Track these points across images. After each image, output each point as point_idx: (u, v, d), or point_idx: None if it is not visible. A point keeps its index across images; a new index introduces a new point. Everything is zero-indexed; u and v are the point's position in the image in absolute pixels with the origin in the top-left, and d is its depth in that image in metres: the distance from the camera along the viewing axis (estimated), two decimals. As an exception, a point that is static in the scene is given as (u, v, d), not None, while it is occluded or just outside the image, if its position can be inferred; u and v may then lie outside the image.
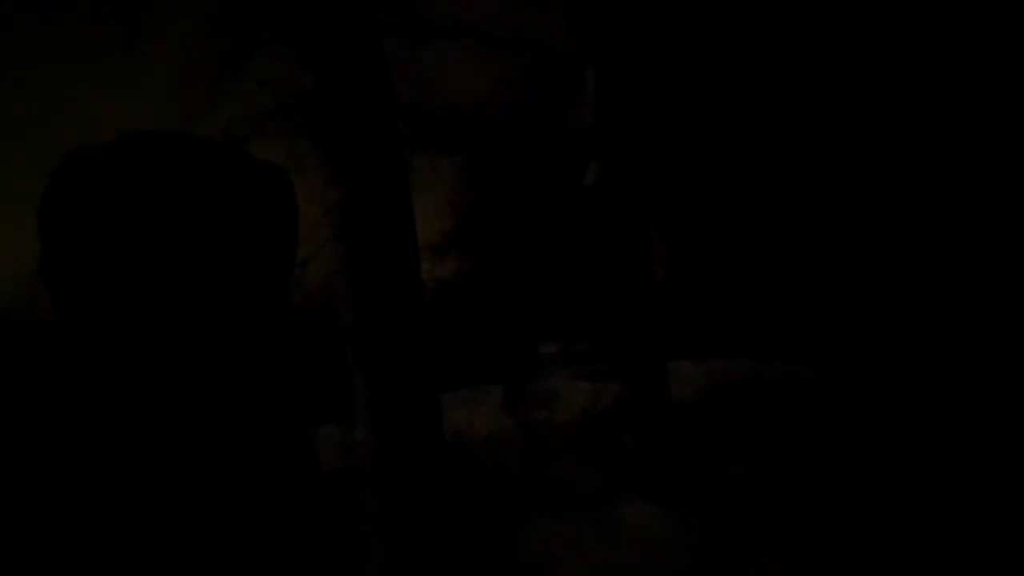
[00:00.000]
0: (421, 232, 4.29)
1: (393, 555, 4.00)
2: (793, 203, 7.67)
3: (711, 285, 8.05)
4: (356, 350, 3.95)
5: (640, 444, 5.95)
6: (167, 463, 0.83)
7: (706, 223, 7.95)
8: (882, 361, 6.98)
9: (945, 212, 7.26)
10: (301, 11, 3.88)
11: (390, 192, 4.02)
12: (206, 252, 0.83)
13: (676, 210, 7.90)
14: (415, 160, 4.67)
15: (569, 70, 6.37)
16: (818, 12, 7.18)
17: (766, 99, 7.40)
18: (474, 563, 5.13)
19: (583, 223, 7.57)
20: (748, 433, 6.89)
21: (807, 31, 7.19)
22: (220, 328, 0.84)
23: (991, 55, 6.72)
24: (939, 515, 4.88)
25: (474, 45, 5.88)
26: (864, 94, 7.27)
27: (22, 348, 0.88)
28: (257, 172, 0.88)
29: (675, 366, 7.32)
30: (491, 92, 6.91)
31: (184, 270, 0.82)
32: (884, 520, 5.04)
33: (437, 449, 4.05)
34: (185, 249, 0.82)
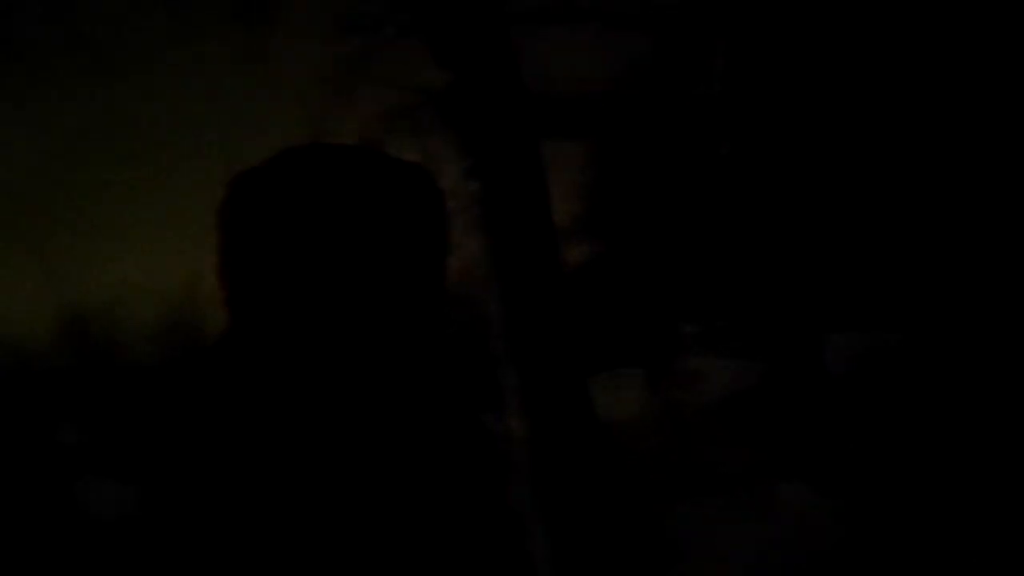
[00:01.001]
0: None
1: (553, 539, 4.03)
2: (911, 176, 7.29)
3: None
4: (504, 339, 3.99)
5: (791, 422, 5.77)
6: (350, 460, 0.85)
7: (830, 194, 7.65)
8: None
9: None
10: (433, 6, 3.94)
11: (528, 181, 4.03)
12: (371, 253, 0.88)
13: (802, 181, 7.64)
14: (542, 147, 4.67)
15: (695, 45, 6.22)
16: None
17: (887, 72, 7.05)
18: (631, 544, 5.10)
19: (718, 196, 7.40)
20: (899, 409, 6.60)
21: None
22: (389, 325, 0.87)
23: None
24: None
25: (598, 27, 5.83)
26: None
27: (199, 359, 0.93)
28: (406, 172, 0.92)
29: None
30: (616, 73, 6.84)
31: (353, 271, 0.87)
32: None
33: (591, 433, 4.04)
34: (353, 251, 0.87)
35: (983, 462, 5.20)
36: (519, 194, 4.02)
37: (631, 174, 7.87)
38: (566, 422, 3.99)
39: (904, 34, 6.79)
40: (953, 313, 6.72)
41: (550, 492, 4.06)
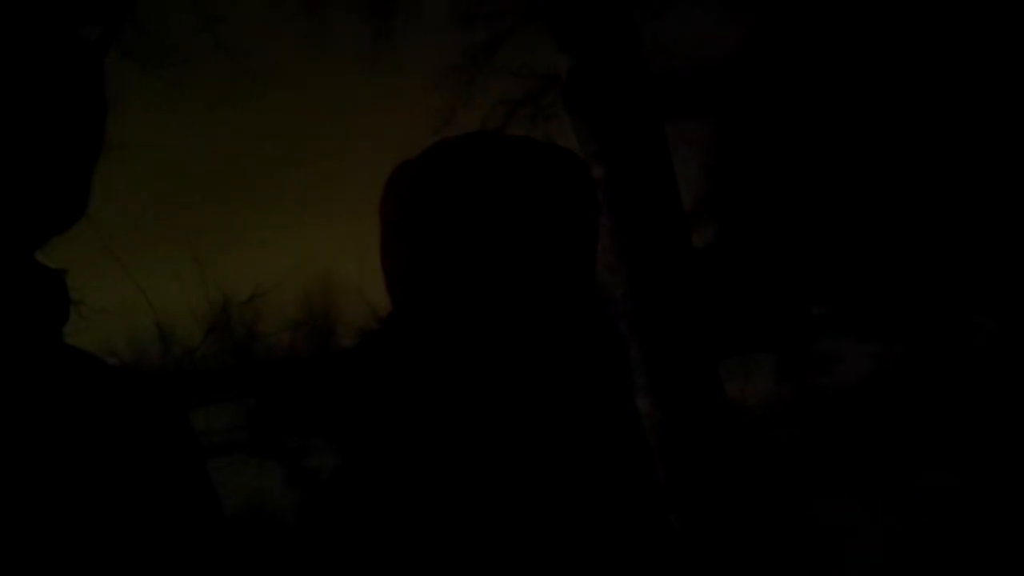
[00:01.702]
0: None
1: (685, 524, 4.00)
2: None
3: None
4: (631, 322, 3.98)
5: (935, 407, 5.52)
6: (516, 446, 0.87)
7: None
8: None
9: None
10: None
11: (654, 163, 4.00)
12: (530, 239, 0.90)
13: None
14: (666, 128, 4.61)
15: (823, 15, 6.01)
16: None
17: None
18: (766, 533, 5.00)
19: (853, 170, 7.14)
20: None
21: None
22: (548, 310, 0.90)
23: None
24: None
25: (720, 5, 5.72)
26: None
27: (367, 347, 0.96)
28: (562, 160, 0.95)
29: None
30: (741, 49, 6.68)
31: (513, 257, 0.89)
32: None
33: (721, 419, 3.99)
34: (513, 237, 0.89)
35: None
36: (645, 177, 4.00)
37: (757, 153, 7.68)
38: (696, 406, 3.95)
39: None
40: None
41: (682, 473, 4.02)
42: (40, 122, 0.78)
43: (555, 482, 0.85)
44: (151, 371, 10.09)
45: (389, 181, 0.96)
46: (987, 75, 6.53)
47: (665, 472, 4.05)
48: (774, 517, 5.21)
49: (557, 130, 6.84)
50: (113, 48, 5.85)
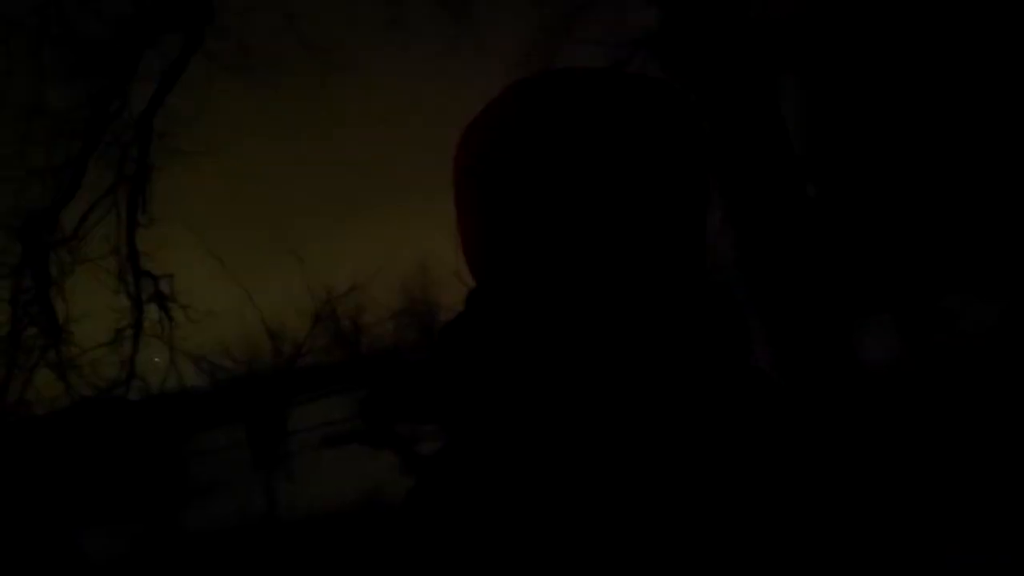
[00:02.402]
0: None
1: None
2: None
3: None
4: (746, 287, 3.77)
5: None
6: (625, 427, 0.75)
7: None
8: None
9: None
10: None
11: (763, 117, 3.76)
12: (631, 187, 0.75)
13: None
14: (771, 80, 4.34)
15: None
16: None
17: None
18: (882, 496, 4.72)
19: (962, 116, 6.69)
20: None
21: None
22: (655, 280, 0.76)
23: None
24: None
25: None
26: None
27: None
28: (657, 93, 0.78)
29: None
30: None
31: (612, 207, 0.74)
32: None
33: (852, 383, 3.75)
34: (610, 186, 0.74)
35: None
36: (754, 133, 3.76)
37: (861, 105, 7.28)
38: (824, 374, 3.71)
39: None
40: None
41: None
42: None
43: (665, 469, 0.73)
44: (263, 367, 10.32)
45: (459, 146, 0.83)
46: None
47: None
48: (903, 485, 4.93)
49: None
50: (198, 55, 5.92)
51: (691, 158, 0.77)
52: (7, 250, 5.56)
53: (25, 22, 5.47)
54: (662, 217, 0.75)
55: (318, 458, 11.17)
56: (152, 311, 6.01)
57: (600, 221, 0.74)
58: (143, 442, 8.51)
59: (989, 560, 3.98)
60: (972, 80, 6.13)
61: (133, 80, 5.65)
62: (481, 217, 0.79)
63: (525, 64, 6.72)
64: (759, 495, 0.71)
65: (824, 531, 0.73)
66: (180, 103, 5.82)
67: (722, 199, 3.92)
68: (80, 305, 5.89)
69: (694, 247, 0.78)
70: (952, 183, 7.16)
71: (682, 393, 0.75)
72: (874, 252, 7.84)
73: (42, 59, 5.52)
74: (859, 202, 7.75)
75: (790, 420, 0.76)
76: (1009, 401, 5.98)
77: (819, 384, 3.76)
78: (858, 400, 3.91)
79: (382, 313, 11.26)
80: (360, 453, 10.59)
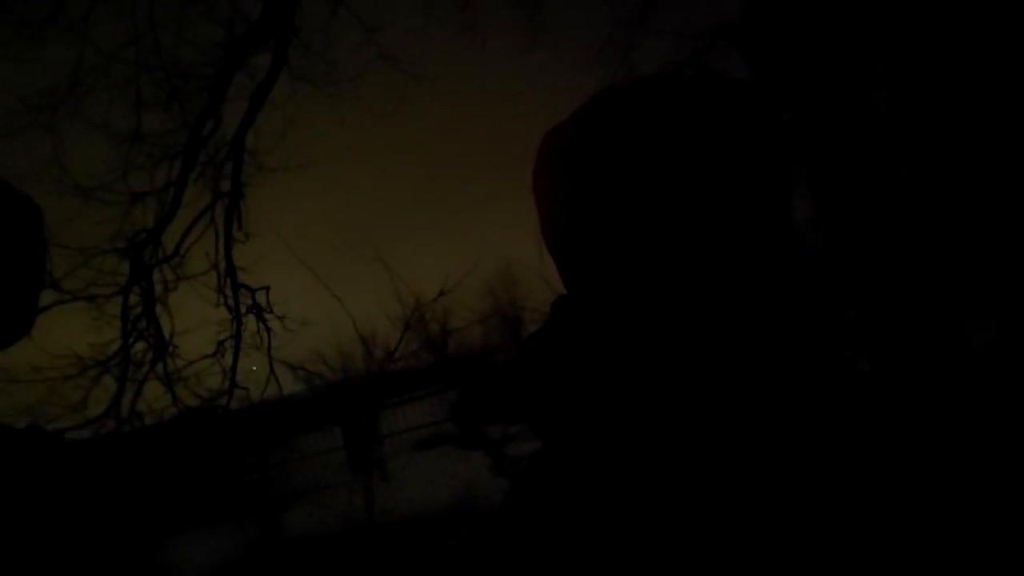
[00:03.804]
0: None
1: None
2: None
3: None
4: (839, 279, 3.70)
5: None
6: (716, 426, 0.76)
7: None
8: None
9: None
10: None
11: (852, 104, 3.68)
12: (712, 190, 0.77)
13: None
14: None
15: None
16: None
17: None
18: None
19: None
20: None
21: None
22: (741, 278, 0.77)
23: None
24: None
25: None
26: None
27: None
28: (735, 96, 0.80)
29: None
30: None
31: (696, 216, 0.76)
32: None
33: (959, 376, 3.63)
34: (693, 192, 0.76)
35: None
36: (839, 119, 3.69)
37: (960, 90, 7.00)
38: (927, 367, 3.61)
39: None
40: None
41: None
42: None
43: (756, 470, 0.73)
44: (356, 373, 10.53)
45: (540, 149, 0.86)
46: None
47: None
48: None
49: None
50: (283, 71, 6.09)
51: (767, 155, 0.78)
52: (115, 271, 5.83)
53: (122, 53, 5.73)
54: (742, 214, 0.76)
55: (411, 460, 11.33)
56: (251, 323, 6.22)
57: (680, 216, 0.76)
58: (245, 449, 8.78)
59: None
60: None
61: (225, 101, 5.86)
62: (568, 211, 0.81)
63: (600, 61, 6.71)
64: (861, 496, 0.71)
65: (928, 533, 0.71)
66: (269, 121, 6.02)
67: (811, 191, 3.86)
68: (184, 320, 6.13)
69: (778, 241, 0.78)
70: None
71: (776, 393, 0.75)
72: (973, 241, 7.55)
73: (140, 87, 5.77)
74: (959, 188, 7.48)
75: (883, 417, 0.76)
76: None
77: (923, 377, 3.66)
78: (969, 393, 3.79)
79: (469, 317, 11.37)
80: (452, 454, 10.70)
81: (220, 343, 6.21)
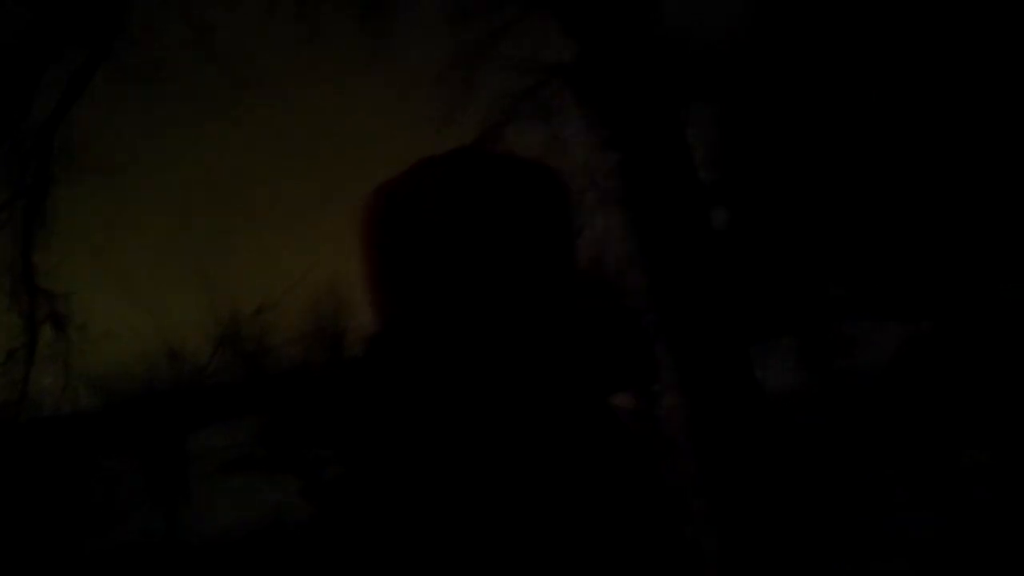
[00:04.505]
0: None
1: (717, 514, 3.87)
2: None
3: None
4: (655, 314, 3.84)
5: (968, 385, 5.38)
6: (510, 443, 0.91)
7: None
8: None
9: None
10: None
11: (670, 148, 3.85)
12: (498, 247, 0.94)
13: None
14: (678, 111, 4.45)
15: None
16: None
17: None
18: (794, 521, 4.87)
19: (866, 149, 6.99)
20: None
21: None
22: (518, 312, 0.94)
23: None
24: None
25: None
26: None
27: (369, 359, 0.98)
28: (526, 171, 1.00)
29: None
30: (748, 30, 6.53)
31: (483, 264, 0.94)
32: None
33: (754, 406, 3.85)
34: (483, 246, 0.94)
35: None
36: (662, 162, 3.85)
37: (767, 134, 7.53)
38: (726, 395, 3.81)
39: None
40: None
41: (713, 468, 3.89)
42: None
43: (543, 481, 0.90)
44: (162, 390, 9.98)
45: (367, 205, 1.01)
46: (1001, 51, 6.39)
47: (697, 465, 3.92)
48: (804, 504, 5.07)
49: (562, 121, 6.70)
50: (105, 67, 5.74)
51: (554, 221, 0.98)
52: None
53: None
54: (526, 270, 0.94)
55: (219, 483, 10.87)
56: (47, 331, 5.78)
57: (475, 271, 0.93)
58: (36, 466, 8.14)
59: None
60: (869, 108, 6.42)
61: (34, 91, 5.45)
62: (384, 262, 0.97)
63: (440, 84, 6.73)
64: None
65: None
66: (85, 117, 5.64)
67: (632, 226, 3.99)
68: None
69: (556, 293, 0.96)
70: (852, 210, 7.45)
71: (543, 427, 0.92)
72: (777, 277, 8.09)
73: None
74: (764, 228, 7.99)
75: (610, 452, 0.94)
76: (908, 424, 6.23)
77: (724, 408, 3.86)
78: (761, 423, 4.02)
79: (290, 334, 11.05)
80: (261, 477, 10.34)
81: (11, 352, 5.73)
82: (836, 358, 7.88)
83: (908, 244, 6.80)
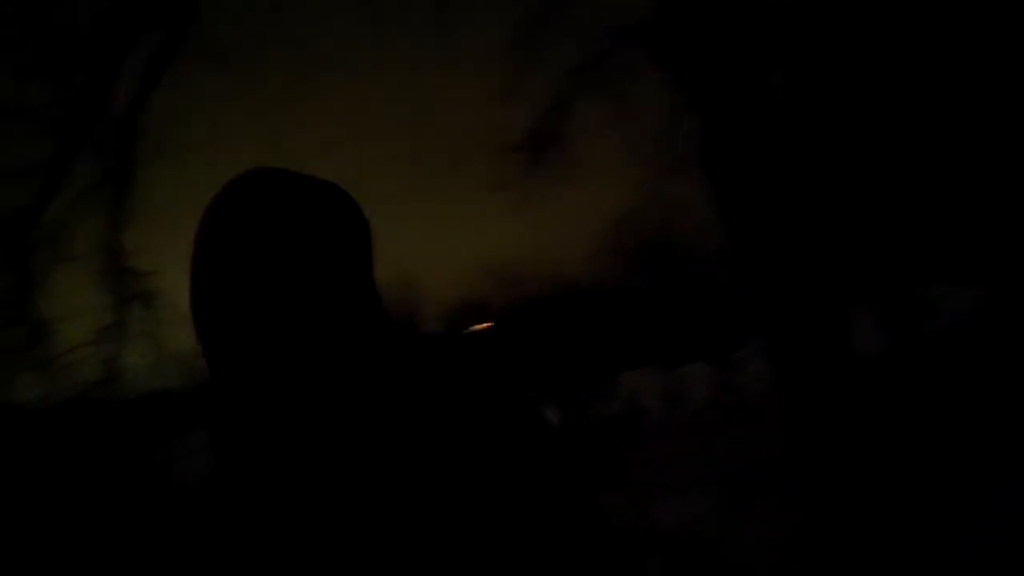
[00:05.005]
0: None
1: (812, 481, 3.82)
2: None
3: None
4: (742, 280, 3.78)
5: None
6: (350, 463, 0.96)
7: None
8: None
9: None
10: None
11: (755, 109, 3.77)
12: (304, 264, 0.99)
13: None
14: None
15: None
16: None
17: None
18: (881, 483, 4.78)
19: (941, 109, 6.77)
20: None
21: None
22: (331, 322, 0.98)
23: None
24: None
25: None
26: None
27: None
28: (328, 193, 1.05)
29: None
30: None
31: (286, 280, 0.98)
32: None
33: (845, 371, 3.78)
34: (292, 262, 0.98)
35: None
36: (745, 126, 3.77)
37: (853, 99, 7.32)
38: (818, 361, 3.74)
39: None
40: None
41: (805, 437, 3.83)
42: None
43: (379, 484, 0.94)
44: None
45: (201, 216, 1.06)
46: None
47: (787, 434, 3.87)
48: (893, 475, 4.98)
49: (634, 87, 6.57)
50: (182, 50, 5.84)
51: (349, 242, 1.02)
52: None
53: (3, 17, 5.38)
54: (331, 285, 0.98)
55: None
56: (136, 310, 5.93)
57: (278, 288, 0.97)
58: (126, 444, 8.41)
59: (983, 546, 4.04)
60: (958, 77, 6.22)
61: (118, 77, 5.58)
62: (196, 291, 1.01)
63: (505, 56, 6.66)
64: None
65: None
66: (164, 99, 5.75)
67: (715, 190, 3.94)
68: (62, 305, 5.80)
69: (360, 302, 1.00)
70: (932, 175, 7.24)
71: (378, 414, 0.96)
72: (860, 243, 7.91)
73: (22, 56, 5.43)
74: (847, 194, 7.81)
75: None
76: (988, 388, 6.05)
77: (816, 374, 3.79)
78: (852, 389, 3.94)
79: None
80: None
81: (101, 331, 5.89)
82: (918, 321, 7.70)
83: (985, 208, 6.59)
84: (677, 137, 4.40)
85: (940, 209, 7.43)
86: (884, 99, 6.82)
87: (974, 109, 6.55)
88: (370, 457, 0.95)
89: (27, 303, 5.55)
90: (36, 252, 5.55)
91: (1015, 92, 6.09)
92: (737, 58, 3.79)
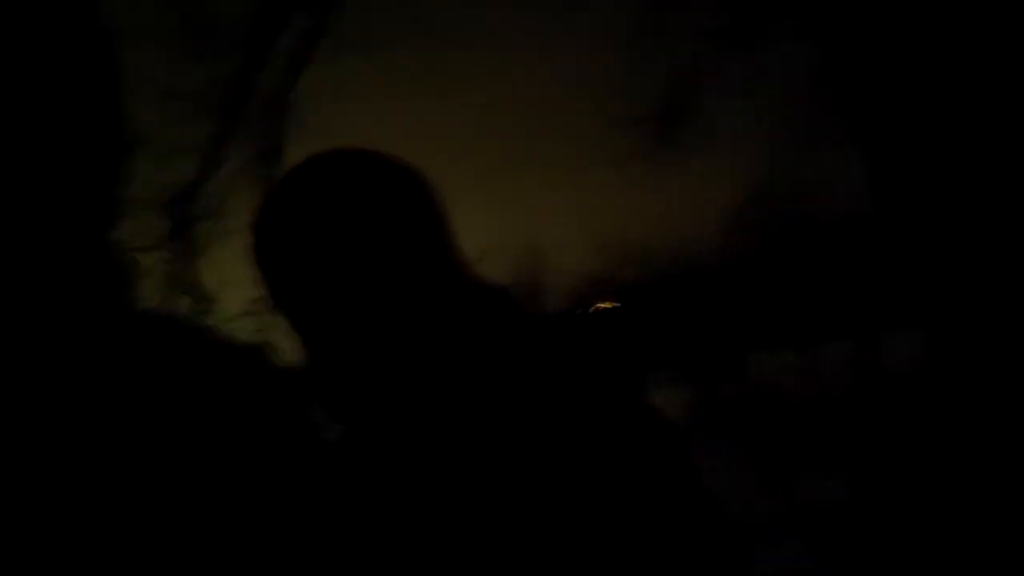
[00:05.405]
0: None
1: (962, 473, 3.63)
2: None
3: None
4: (901, 253, 3.62)
5: None
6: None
7: None
8: None
9: None
10: None
11: (910, 74, 3.58)
12: (368, 244, 0.99)
13: None
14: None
15: None
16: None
17: None
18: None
19: None
20: None
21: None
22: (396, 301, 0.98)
23: None
24: None
25: None
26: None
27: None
28: (394, 170, 1.04)
29: None
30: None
31: (358, 259, 0.98)
32: None
33: (1007, 345, 3.54)
34: (356, 244, 0.98)
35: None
36: (902, 92, 3.59)
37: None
38: (994, 342, 3.49)
39: None
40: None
41: (959, 424, 3.64)
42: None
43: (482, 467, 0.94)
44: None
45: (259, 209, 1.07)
46: None
47: (939, 422, 3.68)
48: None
49: (770, 55, 6.33)
50: (325, 37, 6.03)
51: (408, 215, 1.02)
52: (153, 225, 5.82)
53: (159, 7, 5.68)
54: (401, 260, 0.99)
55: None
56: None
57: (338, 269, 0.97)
58: (284, 417, 8.81)
59: None
60: None
61: (266, 63, 5.81)
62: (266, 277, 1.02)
63: (632, 36, 6.55)
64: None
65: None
66: (310, 83, 5.97)
67: (868, 166, 3.78)
68: (223, 277, 6.12)
69: (435, 278, 1.01)
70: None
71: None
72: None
73: (180, 43, 5.73)
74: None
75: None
76: None
77: (980, 360, 3.57)
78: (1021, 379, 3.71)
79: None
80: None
81: (254, 301, 6.18)
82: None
83: None
84: (816, 107, 4.25)
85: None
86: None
87: None
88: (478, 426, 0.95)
89: (190, 273, 5.90)
90: (197, 224, 5.88)
91: None
92: (893, 19, 3.58)
